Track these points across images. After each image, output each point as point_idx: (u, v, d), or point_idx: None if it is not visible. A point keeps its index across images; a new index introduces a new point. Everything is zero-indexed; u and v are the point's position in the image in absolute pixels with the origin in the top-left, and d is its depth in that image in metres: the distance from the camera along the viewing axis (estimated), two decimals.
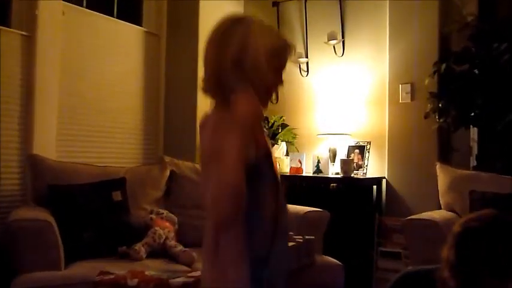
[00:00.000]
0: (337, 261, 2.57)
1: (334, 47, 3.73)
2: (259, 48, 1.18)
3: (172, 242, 2.54)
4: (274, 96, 1.27)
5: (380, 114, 3.52)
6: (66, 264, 2.20)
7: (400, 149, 3.41)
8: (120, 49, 3.40)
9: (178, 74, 3.63)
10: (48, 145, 2.81)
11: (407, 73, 3.38)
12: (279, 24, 4.01)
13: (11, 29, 2.73)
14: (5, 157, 2.66)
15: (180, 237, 2.64)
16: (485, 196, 2.63)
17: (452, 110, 2.90)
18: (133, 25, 3.52)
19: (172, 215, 2.72)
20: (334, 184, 3.36)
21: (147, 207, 2.74)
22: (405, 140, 3.37)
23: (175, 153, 3.24)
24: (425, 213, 2.76)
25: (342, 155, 3.58)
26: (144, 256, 2.42)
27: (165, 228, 2.58)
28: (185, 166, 3.02)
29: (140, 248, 2.43)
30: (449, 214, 2.80)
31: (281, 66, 1.25)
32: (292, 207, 2.65)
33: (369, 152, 3.52)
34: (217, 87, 1.22)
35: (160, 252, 2.50)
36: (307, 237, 2.38)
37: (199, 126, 1.24)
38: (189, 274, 2.19)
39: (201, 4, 3.54)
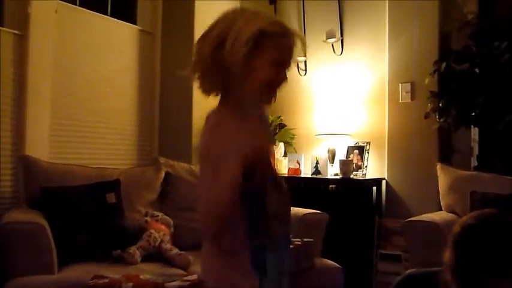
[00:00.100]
0: (337, 264, 2.57)
1: (332, 45, 3.73)
2: (242, 30, 1.11)
3: (168, 245, 2.54)
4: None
5: (380, 114, 3.53)
6: (59, 268, 2.19)
7: (400, 149, 3.42)
8: (114, 48, 3.39)
9: (173, 73, 3.62)
10: (40, 146, 2.81)
11: (407, 72, 3.39)
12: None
13: (3, 28, 2.72)
14: None
15: (175, 240, 2.63)
16: (486, 197, 2.64)
17: (452, 109, 2.91)
18: (128, 23, 3.52)
19: (168, 218, 2.71)
20: (333, 185, 3.36)
21: (141, 210, 2.74)
22: (405, 140, 3.38)
23: (170, 154, 3.24)
24: (426, 214, 2.77)
25: (341, 155, 3.58)
26: (139, 260, 2.42)
27: (160, 231, 2.58)
28: (181, 167, 3.01)
29: (135, 251, 2.42)
30: (450, 215, 2.81)
31: (281, 59, 1.17)
32: (291, 209, 2.65)
33: (368, 152, 3.53)
34: (211, 82, 1.19)
35: (155, 255, 2.50)
36: (305, 239, 2.38)
37: (205, 122, 1.23)
38: (185, 278, 2.19)
39: (197, 2, 3.54)
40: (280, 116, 3.79)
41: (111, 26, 3.39)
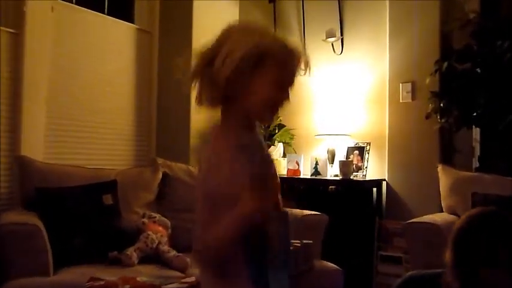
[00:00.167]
0: (336, 266, 2.57)
1: (332, 44, 3.73)
2: (235, 47, 1.08)
3: (165, 247, 2.54)
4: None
5: (380, 114, 3.53)
6: (55, 270, 2.19)
7: (400, 150, 3.42)
8: (111, 47, 3.39)
9: (171, 73, 3.62)
10: (36, 146, 2.80)
11: (408, 72, 3.39)
12: (275, 21, 4.02)
13: None
14: None
15: (173, 242, 2.63)
16: (488, 198, 2.64)
17: (454, 109, 2.91)
18: (125, 22, 3.51)
19: (165, 219, 2.71)
20: (333, 186, 3.36)
21: (139, 211, 2.74)
22: (406, 141, 3.38)
23: (168, 154, 3.23)
24: (427, 216, 2.77)
25: (340, 156, 3.58)
26: (136, 261, 2.42)
27: (157, 233, 2.58)
28: (178, 168, 3.01)
29: (132, 253, 2.42)
30: (451, 217, 2.81)
31: (283, 79, 1.14)
32: (290, 211, 2.65)
33: (368, 153, 3.53)
34: (207, 98, 1.16)
35: (152, 257, 2.49)
36: (305, 241, 2.36)
37: (201, 139, 1.21)
38: (183, 280, 2.19)
39: (195, 1, 3.53)
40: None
41: (108, 24, 3.38)
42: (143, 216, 2.66)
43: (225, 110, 1.17)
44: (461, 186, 2.87)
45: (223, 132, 1.16)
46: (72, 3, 3.16)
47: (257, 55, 1.09)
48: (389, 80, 3.48)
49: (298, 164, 3.63)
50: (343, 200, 3.29)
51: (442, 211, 2.98)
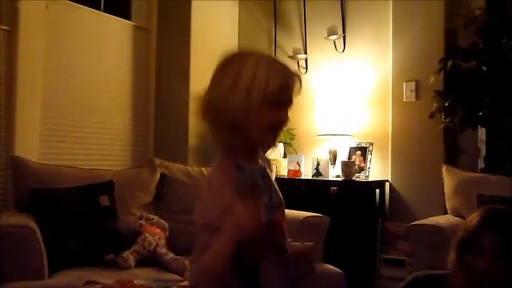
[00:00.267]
0: (338, 269, 2.57)
1: (334, 42, 3.74)
2: (260, 91, 1.11)
3: (163, 250, 2.54)
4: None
5: (383, 114, 3.53)
6: (50, 273, 2.19)
7: (404, 150, 3.42)
8: (108, 45, 3.39)
9: (170, 71, 3.63)
10: (30, 146, 2.81)
11: (412, 70, 3.39)
12: (275, 18, 4.02)
13: None
14: None
15: (171, 245, 2.63)
16: (494, 200, 2.64)
17: (459, 109, 2.91)
18: (122, 19, 3.52)
19: (163, 221, 2.71)
20: (335, 188, 3.36)
21: (136, 213, 2.74)
22: (409, 141, 3.38)
23: (166, 155, 3.24)
24: (431, 218, 2.77)
25: (342, 157, 3.58)
26: (133, 264, 2.42)
27: (155, 235, 2.58)
28: (177, 169, 3.01)
29: (129, 255, 2.42)
30: (456, 219, 2.81)
31: (285, 102, 1.19)
32: (291, 213, 2.66)
33: (371, 153, 3.53)
34: (217, 132, 1.17)
35: (150, 260, 2.50)
36: (306, 243, 2.37)
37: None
38: (181, 283, 2.19)
39: None
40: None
41: (105, 22, 3.39)
42: (140, 218, 2.67)
43: (226, 139, 1.18)
44: (466, 187, 2.87)
45: (225, 162, 1.17)
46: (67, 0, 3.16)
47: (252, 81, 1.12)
48: (392, 78, 3.48)
49: (299, 165, 3.63)
50: (345, 201, 3.29)
51: (446, 213, 2.98)
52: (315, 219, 2.72)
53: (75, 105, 3.16)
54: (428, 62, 3.19)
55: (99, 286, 2.06)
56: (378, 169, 3.53)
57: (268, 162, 1.33)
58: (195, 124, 3.43)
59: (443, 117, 3.01)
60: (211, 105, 1.15)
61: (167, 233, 2.69)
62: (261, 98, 1.12)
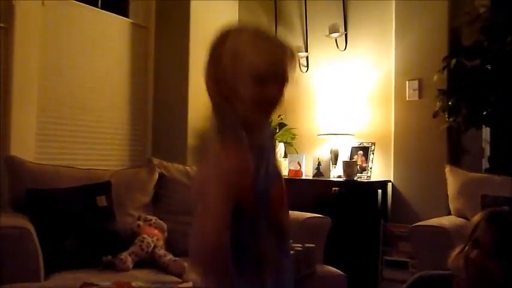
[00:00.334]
0: (339, 271, 2.57)
1: (336, 40, 3.74)
2: (243, 65, 1.10)
3: (162, 251, 2.54)
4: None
5: (385, 113, 3.53)
6: (46, 275, 2.19)
7: (406, 150, 3.42)
8: (105, 42, 3.39)
9: (168, 69, 3.63)
10: (26, 146, 2.81)
11: (415, 69, 3.39)
12: (276, 15, 4.02)
13: None
14: None
15: (169, 246, 2.63)
16: (498, 201, 2.64)
17: (463, 108, 2.92)
18: (119, 16, 3.51)
19: (162, 222, 2.71)
20: (336, 188, 3.36)
21: (134, 213, 2.74)
22: (412, 141, 3.38)
23: (164, 154, 3.24)
24: (434, 219, 2.77)
25: (344, 156, 3.58)
26: (131, 266, 2.42)
27: (153, 236, 2.58)
28: (175, 169, 3.01)
29: (126, 257, 2.42)
30: (460, 220, 2.81)
31: (272, 78, 1.13)
32: (291, 213, 2.64)
33: (373, 153, 3.53)
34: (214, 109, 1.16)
35: (148, 261, 2.49)
36: (307, 245, 2.38)
37: (199, 139, 1.21)
38: (180, 285, 2.19)
39: None
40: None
41: (102, 19, 3.38)
42: (138, 219, 2.66)
43: (217, 114, 1.16)
44: (470, 188, 2.87)
45: (218, 138, 1.14)
46: None
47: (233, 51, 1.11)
48: (395, 77, 3.48)
49: (300, 165, 3.63)
50: (347, 202, 3.30)
51: (449, 214, 2.99)
52: (316, 220, 2.72)
53: (72, 104, 3.16)
54: (432, 60, 3.20)
55: None
56: (380, 169, 3.53)
57: (272, 134, 1.30)
58: (194, 123, 3.43)
59: (446, 116, 3.02)
60: (206, 83, 1.15)
61: (166, 234, 2.69)
62: (244, 73, 1.10)
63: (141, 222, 2.64)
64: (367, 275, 3.22)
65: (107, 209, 2.61)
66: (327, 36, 3.69)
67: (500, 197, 2.66)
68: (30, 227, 2.21)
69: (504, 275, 1.42)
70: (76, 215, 2.48)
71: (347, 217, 3.19)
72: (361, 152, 3.56)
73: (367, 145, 3.56)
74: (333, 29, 3.65)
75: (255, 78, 1.10)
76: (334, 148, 3.59)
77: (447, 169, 3.05)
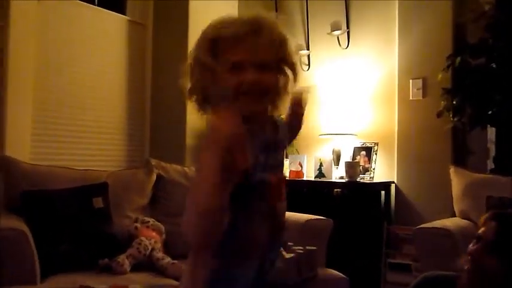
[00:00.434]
0: (342, 274, 2.57)
1: (338, 38, 3.74)
2: (202, 39, 1.14)
3: (160, 254, 2.54)
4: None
5: (388, 113, 3.54)
6: (42, 278, 2.19)
7: (410, 150, 3.42)
8: (102, 40, 3.40)
9: (166, 67, 3.63)
10: (21, 146, 2.81)
11: (419, 67, 3.40)
12: (277, 12, 4.02)
13: None
14: None
15: (167, 249, 2.64)
16: (504, 202, 2.65)
17: (467, 107, 2.92)
18: (117, 13, 3.52)
19: (159, 224, 2.72)
20: (338, 189, 3.37)
21: (131, 215, 2.74)
22: (416, 141, 3.39)
23: (162, 155, 3.24)
24: (438, 221, 2.78)
25: (346, 157, 3.59)
26: (128, 269, 2.42)
27: (151, 239, 2.58)
28: (173, 170, 3.02)
29: (124, 260, 2.43)
30: (464, 222, 2.82)
31: (240, 60, 1.10)
32: (292, 215, 2.66)
33: (376, 154, 3.53)
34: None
35: (146, 264, 2.50)
36: (308, 247, 2.38)
37: (198, 138, 1.22)
38: None
39: None
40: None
41: (99, 16, 3.39)
42: (136, 221, 2.67)
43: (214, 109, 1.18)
44: (475, 189, 2.88)
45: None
46: None
47: (210, 44, 1.12)
48: (398, 75, 3.49)
49: (301, 166, 3.64)
50: (349, 203, 3.30)
51: (454, 215, 2.99)
52: (318, 222, 2.73)
53: (68, 103, 3.16)
54: (436, 59, 3.20)
55: None
56: (383, 170, 3.54)
57: (277, 127, 1.32)
58: (192, 123, 3.44)
59: (451, 116, 3.02)
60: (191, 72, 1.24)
61: (164, 236, 2.69)
62: (220, 62, 1.12)
63: (138, 224, 2.64)
64: (370, 278, 3.23)
65: (104, 210, 2.62)
66: (328, 34, 3.69)
67: (506, 198, 2.67)
68: (26, 229, 2.21)
69: (503, 275, 1.45)
70: (72, 217, 2.48)
71: (349, 219, 3.20)
72: (363, 153, 3.56)
73: (370, 145, 3.57)
74: (335, 27, 3.66)
75: (233, 65, 1.10)
76: (336, 148, 3.59)
77: (452, 170, 3.06)
